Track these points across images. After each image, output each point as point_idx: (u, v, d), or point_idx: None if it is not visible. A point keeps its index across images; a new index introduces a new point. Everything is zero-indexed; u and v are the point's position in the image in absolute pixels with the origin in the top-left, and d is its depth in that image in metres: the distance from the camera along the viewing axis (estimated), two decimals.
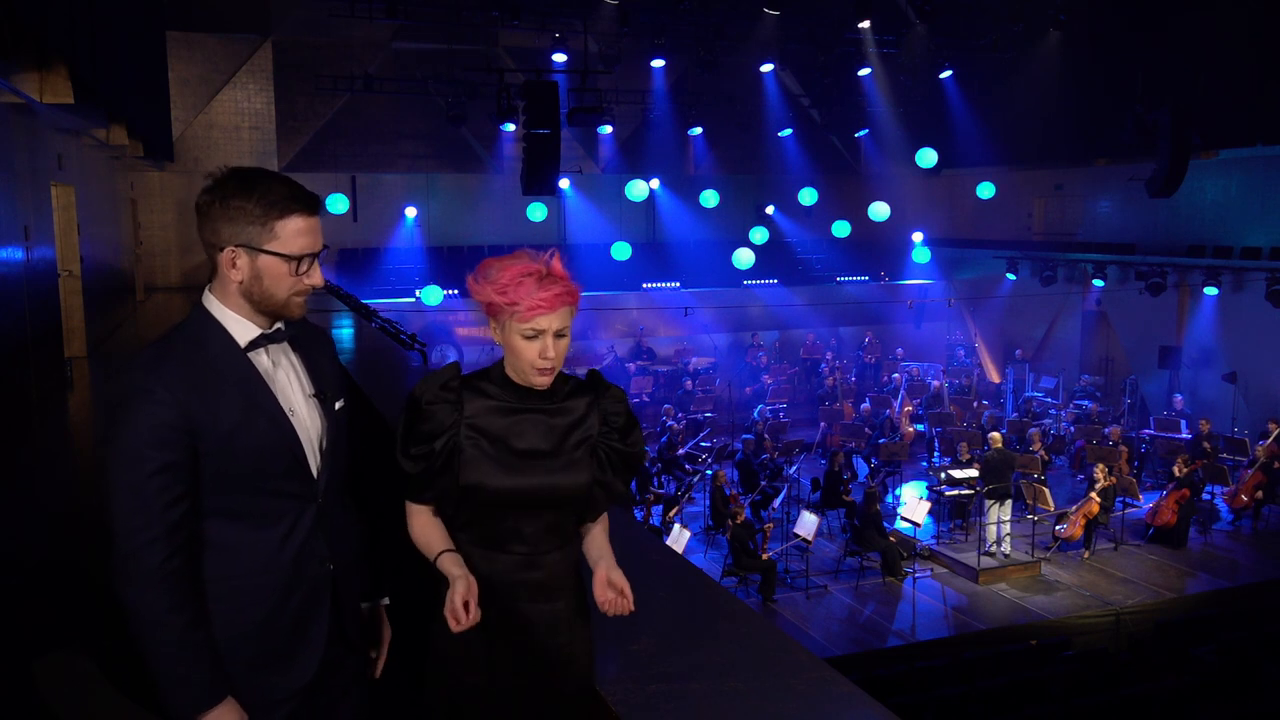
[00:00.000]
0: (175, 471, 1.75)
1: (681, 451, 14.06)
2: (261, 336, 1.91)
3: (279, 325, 1.94)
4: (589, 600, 2.06)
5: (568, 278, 1.94)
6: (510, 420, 1.99)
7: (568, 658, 2.04)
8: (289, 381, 1.95)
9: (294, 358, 1.99)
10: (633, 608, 1.97)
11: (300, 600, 1.93)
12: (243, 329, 1.89)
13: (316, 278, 1.91)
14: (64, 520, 4.68)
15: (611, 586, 1.98)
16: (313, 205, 1.88)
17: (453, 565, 1.95)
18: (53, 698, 2.63)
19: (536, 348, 1.92)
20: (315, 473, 1.95)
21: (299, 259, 1.86)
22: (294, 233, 1.85)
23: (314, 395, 1.99)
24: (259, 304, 1.88)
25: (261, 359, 1.91)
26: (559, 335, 1.93)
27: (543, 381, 1.95)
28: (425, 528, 2.05)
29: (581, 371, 2.14)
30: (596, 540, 2.11)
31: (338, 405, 2.03)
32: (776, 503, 12.37)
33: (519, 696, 2.03)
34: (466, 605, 1.87)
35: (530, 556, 2.01)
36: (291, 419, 1.91)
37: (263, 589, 1.88)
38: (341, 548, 2.03)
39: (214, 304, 1.89)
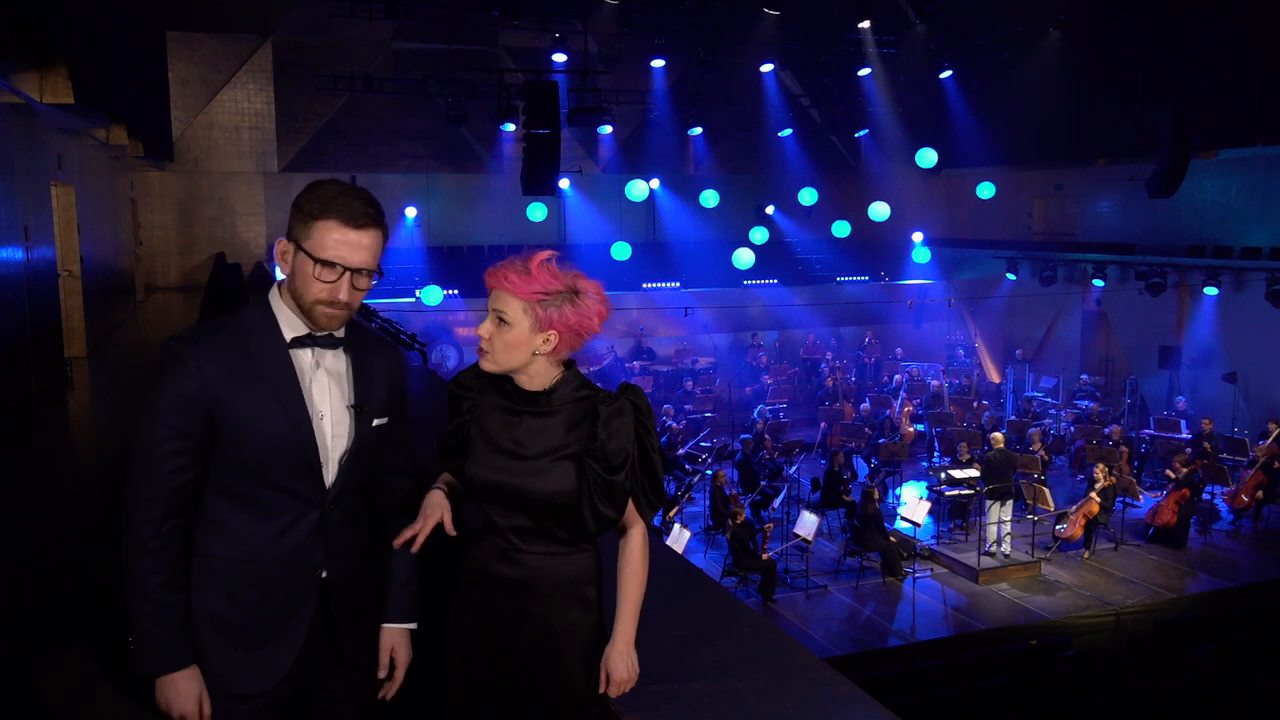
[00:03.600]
0: (186, 440, 1.82)
1: (681, 451, 14.06)
2: (309, 337, 1.92)
3: (333, 331, 1.95)
4: (604, 620, 2.07)
5: (518, 270, 1.95)
6: (508, 420, 2.02)
7: (557, 666, 2.02)
8: (326, 386, 1.95)
9: (344, 365, 1.98)
10: (622, 691, 2.04)
11: (282, 599, 1.93)
12: (291, 325, 1.92)
13: (343, 292, 1.88)
14: (64, 520, 4.68)
15: (609, 676, 2.04)
16: (354, 217, 1.85)
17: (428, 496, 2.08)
18: (53, 698, 2.63)
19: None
20: (328, 481, 1.94)
21: (322, 263, 1.85)
22: (326, 236, 1.85)
23: (352, 406, 1.97)
24: (297, 302, 1.91)
25: (303, 358, 1.92)
26: (500, 320, 1.96)
27: (482, 361, 2.01)
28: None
29: (581, 372, 2.11)
30: (621, 598, 2.06)
31: (376, 422, 2.01)
32: (776, 503, 12.37)
33: (505, 693, 2.04)
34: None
35: (505, 551, 2.02)
36: (319, 423, 1.92)
37: (245, 576, 1.90)
38: (343, 559, 2.00)
39: (274, 297, 1.94)
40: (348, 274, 1.86)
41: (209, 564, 1.89)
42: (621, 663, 2.02)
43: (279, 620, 1.93)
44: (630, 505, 2.03)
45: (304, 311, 1.91)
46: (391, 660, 2.13)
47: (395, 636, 2.13)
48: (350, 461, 1.97)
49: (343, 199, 1.86)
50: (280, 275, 1.98)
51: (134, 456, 1.83)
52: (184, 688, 1.85)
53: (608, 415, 1.97)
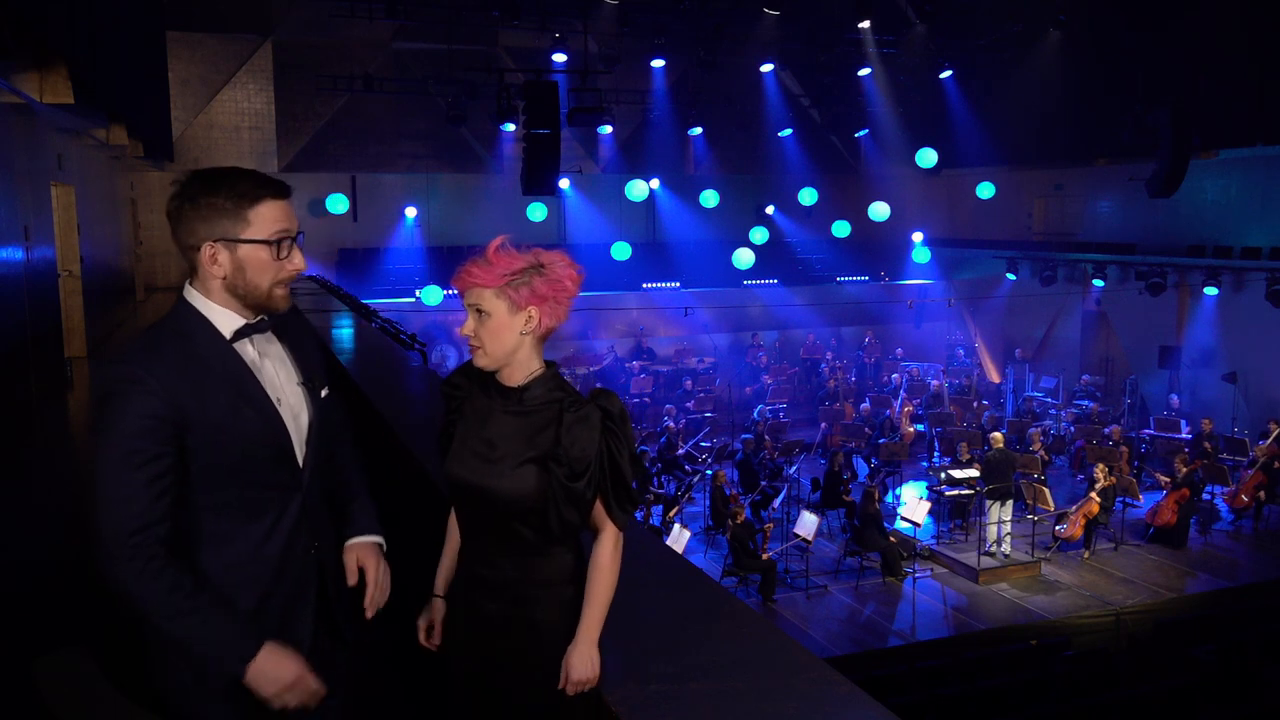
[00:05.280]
0: (163, 461, 1.75)
1: (681, 451, 14.06)
2: (246, 327, 1.91)
3: (262, 316, 1.94)
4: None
5: (478, 264, 1.97)
6: (484, 420, 2.04)
7: (540, 664, 2.04)
8: (276, 371, 1.96)
9: (280, 346, 1.99)
10: (579, 690, 2.03)
11: (287, 590, 1.94)
12: (227, 320, 1.89)
13: (298, 261, 1.92)
14: (64, 520, 4.68)
15: (567, 674, 2.01)
16: (281, 189, 1.89)
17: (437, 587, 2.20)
18: (53, 698, 2.62)
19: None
20: (301, 461, 1.96)
21: (277, 243, 1.87)
22: (267, 217, 1.86)
23: (302, 383, 1.99)
24: (244, 298, 1.89)
25: (247, 350, 1.91)
26: (480, 313, 1.98)
27: (475, 359, 2.02)
28: (449, 534, 2.22)
29: (581, 372, 2.13)
30: (587, 599, 2.05)
31: (324, 393, 2.04)
32: (776, 503, 12.36)
33: (494, 691, 2.06)
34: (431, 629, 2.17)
35: (477, 552, 2.05)
36: (279, 408, 1.92)
37: (250, 580, 1.89)
38: (326, 535, 2.05)
39: (196, 298, 1.89)
40: (295, 240, 1.91)
41: (212, 579, 1.85)
42: (580, 663, 2.01)
43: (289, 609, 1.95)
44: (601, 509, 2.02)
45: (260, 302, 1.90)
46: (369, 577, 2.11)
47: (362, 551, 2.11)
48: (316, 438, 1.99)
49: (254, 179, 1.86)
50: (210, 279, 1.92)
51: (104, 495, 1.71)
52: (276, 658, 1.79)
53: (571, 422, 1.97)
